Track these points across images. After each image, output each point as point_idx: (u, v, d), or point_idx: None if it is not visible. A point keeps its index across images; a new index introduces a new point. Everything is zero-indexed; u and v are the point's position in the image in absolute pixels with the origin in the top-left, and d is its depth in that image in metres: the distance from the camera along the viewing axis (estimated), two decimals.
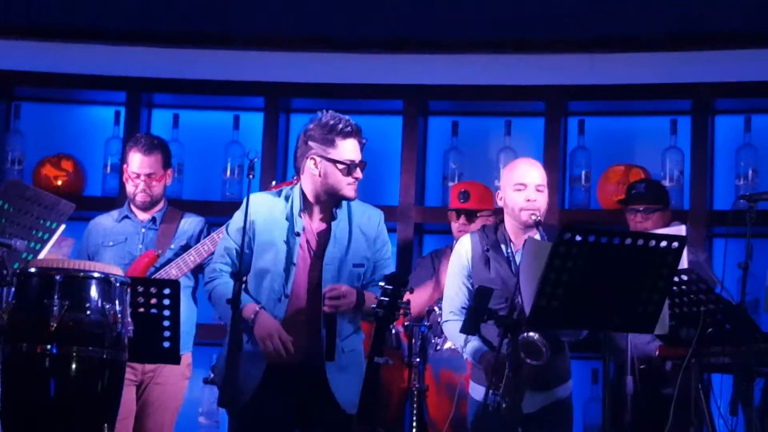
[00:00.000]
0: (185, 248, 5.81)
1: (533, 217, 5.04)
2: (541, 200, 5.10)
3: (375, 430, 4.69)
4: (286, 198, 5.03)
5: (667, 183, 6.72)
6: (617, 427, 4.95)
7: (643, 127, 7.06)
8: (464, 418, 5.53)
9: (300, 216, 4.98)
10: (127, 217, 5.88)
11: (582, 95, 6.95)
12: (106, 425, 4.49)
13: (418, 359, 5.82)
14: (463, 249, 5.19)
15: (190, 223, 5.89)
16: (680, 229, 5.21)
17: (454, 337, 5.15)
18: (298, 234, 4.95)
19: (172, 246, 5.77)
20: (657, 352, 5.53)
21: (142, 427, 5.67)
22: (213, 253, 5.36)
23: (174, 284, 4.96)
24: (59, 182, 6.92)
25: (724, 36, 6.79)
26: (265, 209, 5.01)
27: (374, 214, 5.10)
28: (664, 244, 4.36)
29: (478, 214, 6.20)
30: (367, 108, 7.15)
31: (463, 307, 5.10)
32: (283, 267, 4.93)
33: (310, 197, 5.00)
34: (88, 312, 4.48)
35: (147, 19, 7.13)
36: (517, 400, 4.78)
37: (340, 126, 4.94)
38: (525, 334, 4.80)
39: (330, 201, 4.99)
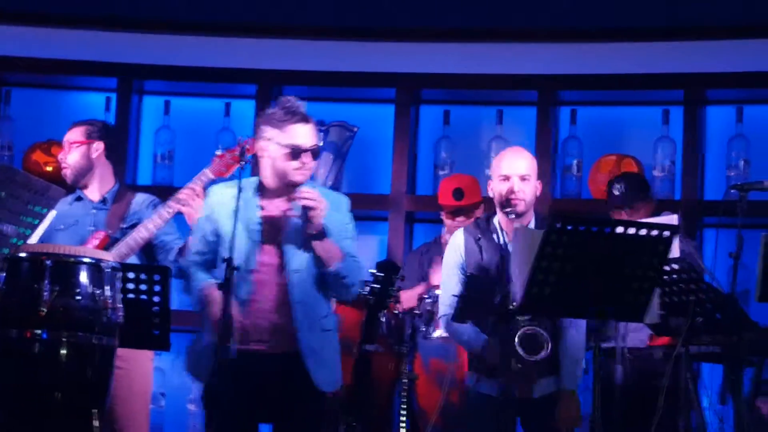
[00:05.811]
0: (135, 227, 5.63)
1: (509, 210, 5.01)
2: (528, 190, 5.07)
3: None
4: (244, 186, 4.90)
5: (658, 173, 6.73)
6: (607, 417, 4.94)
7: (635, 117, 7.05)
8: (454, 406, 5.53)
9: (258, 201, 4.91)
10: (79, 198, 5.65)
11: (574, 85, 6.95)
12: (95, 411, 4.48)
13: (407, 348, 5.81)
14: (457, 242, 5.17)
15: (141, 202, 5.65)
16: (672, 218, 5.20)
17: (454, 332, 5.11)
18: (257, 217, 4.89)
19: (123, 226, 5.53)
20: (647, 342, 5.53)
21: (113, 417, 5.32)
22: (161, 229, 5.31)
23: (164, 270, 4.92)
24: (49, 168, 6.88)
25: (716, 27, 6.79)
26: (223, 198, 4.93)
27: (342, 201, 5.00)
28: (655, 233, 4.36)
29: (474, 210, 6.18)
30: (359, 96, 7.14)
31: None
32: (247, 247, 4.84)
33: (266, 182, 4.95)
34: (78, 297, 4.47)
35: (139, 5, 7.11)
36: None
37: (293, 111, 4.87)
38: (525, 327, 4.81)
39: (282, 186, 4.90)
